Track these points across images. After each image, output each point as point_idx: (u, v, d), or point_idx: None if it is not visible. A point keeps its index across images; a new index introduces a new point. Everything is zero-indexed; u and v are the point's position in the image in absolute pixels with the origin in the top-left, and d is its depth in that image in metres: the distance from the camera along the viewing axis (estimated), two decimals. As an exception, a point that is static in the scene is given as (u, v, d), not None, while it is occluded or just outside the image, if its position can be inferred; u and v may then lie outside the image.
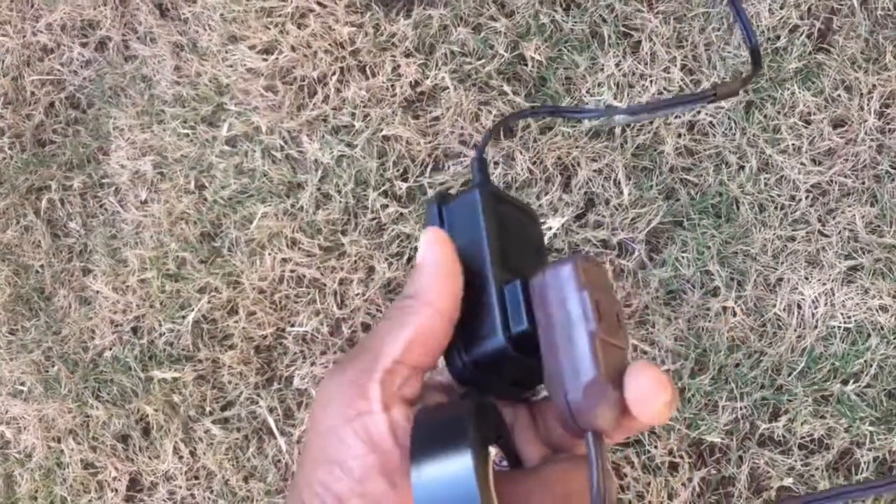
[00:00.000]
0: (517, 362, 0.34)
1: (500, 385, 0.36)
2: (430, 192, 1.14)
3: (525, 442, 0.36)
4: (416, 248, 1.15)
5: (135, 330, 1.24)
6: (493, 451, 0.31)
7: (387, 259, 1.15)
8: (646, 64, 1.10)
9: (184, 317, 1.21)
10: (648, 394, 0.30)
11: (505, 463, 0.35)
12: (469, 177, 1.13)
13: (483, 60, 1.15)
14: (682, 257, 1.06)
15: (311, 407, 0.33)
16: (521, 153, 1.11)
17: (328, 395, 0.33)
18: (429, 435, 0.31)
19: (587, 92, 1.11)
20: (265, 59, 1.22)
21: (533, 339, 0.33)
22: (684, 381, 1.04)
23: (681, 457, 1.03)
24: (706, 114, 1.08)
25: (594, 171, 1.10)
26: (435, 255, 0.35)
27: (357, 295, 1.15)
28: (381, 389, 0.32)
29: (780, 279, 1.03)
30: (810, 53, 1.07)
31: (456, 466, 0.29)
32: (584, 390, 0.30)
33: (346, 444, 0.31)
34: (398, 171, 1.16)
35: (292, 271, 1.18)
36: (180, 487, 1.19)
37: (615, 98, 1.10)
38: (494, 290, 0.34)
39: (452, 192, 0.39)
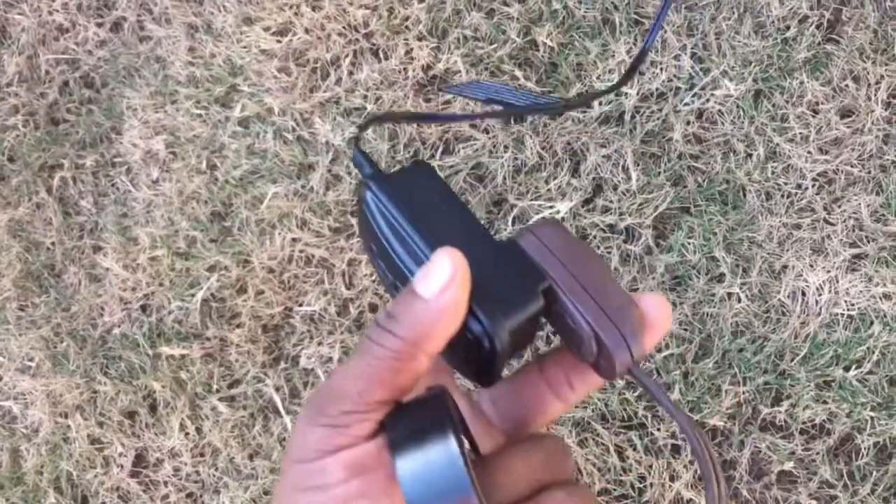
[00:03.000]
0: (536, 323, 0.34)
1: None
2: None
3: (478, 434, 0.36)
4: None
5: (144, 307, 1.25)
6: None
7: (395, 240, 1.16)
8: (656, 51, 1.11)
9: (193, 295, 1.22)
10: (664, 311, 0.34)
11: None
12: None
13: (495, 45, 1.16)
14: (689, 243, 1.07)
15: (289, 440, 0.33)
16: (530, 137, 1.12)
17: (308, 431, 0.32)
18: (408, 429, 0.31)
19: (597, 78, 1.12)
20: (279, 41, 1.24)
21: (549, 295, 0.33)
22: (688, 364, 1.05)
23: (683, 439, 1.03)
24: (715, 102, 1.09)
25: (603, 156, 1.11)
26: (450, 298, 0.31)
27: (365, 276, 1.16)
28: (369, 425, 0.31)
29: (785, 266, 1.04)
30: (819, 44, 1.08)
31: (441, 455, 0.29)
32: (636, 325, 0.32)
33: (328, 472, 0.31)
34: (409, 153, 1.17)
35: (301, 251, 1.19)
36: (186, 464, 1.20)
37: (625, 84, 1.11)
38: (502, 254, 0.34)
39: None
